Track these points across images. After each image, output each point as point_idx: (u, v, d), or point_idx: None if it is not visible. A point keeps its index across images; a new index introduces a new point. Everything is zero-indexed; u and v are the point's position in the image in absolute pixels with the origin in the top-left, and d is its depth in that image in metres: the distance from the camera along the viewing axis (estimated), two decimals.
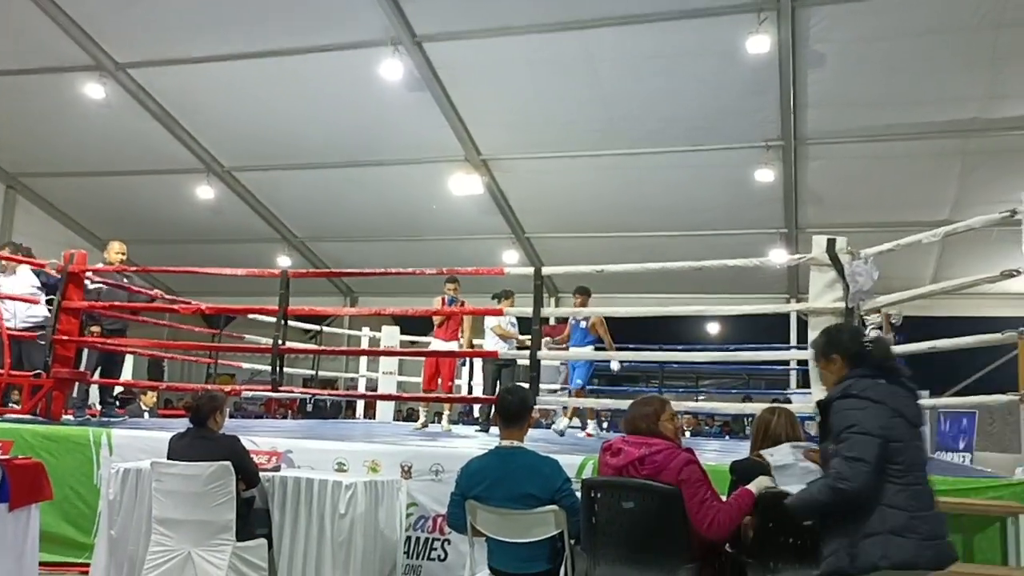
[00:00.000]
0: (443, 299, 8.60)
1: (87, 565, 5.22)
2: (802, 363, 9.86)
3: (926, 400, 10.64)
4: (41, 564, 4.76)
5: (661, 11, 9.60)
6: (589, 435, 8.83)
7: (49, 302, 7.38)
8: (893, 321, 9.05)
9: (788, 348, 12.11)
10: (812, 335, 5.83)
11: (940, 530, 2.91)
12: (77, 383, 7.59)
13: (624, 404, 9.49)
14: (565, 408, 9.23)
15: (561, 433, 8.44)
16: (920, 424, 3.01)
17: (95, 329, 7.70)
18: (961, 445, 10.69)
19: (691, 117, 11.14)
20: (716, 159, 11.93)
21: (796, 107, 10.62)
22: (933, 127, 10.70)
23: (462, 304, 8.61)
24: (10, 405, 8.24)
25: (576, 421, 9.46)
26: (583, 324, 8.58)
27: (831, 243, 5.76)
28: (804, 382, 11.03)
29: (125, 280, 8.18)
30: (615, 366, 9.82)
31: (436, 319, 8.75)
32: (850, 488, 2.83)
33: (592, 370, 9.23)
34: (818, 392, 5.74)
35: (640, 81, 10.72)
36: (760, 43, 9.39)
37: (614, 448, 3.70)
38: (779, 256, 11.86)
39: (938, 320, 12.08)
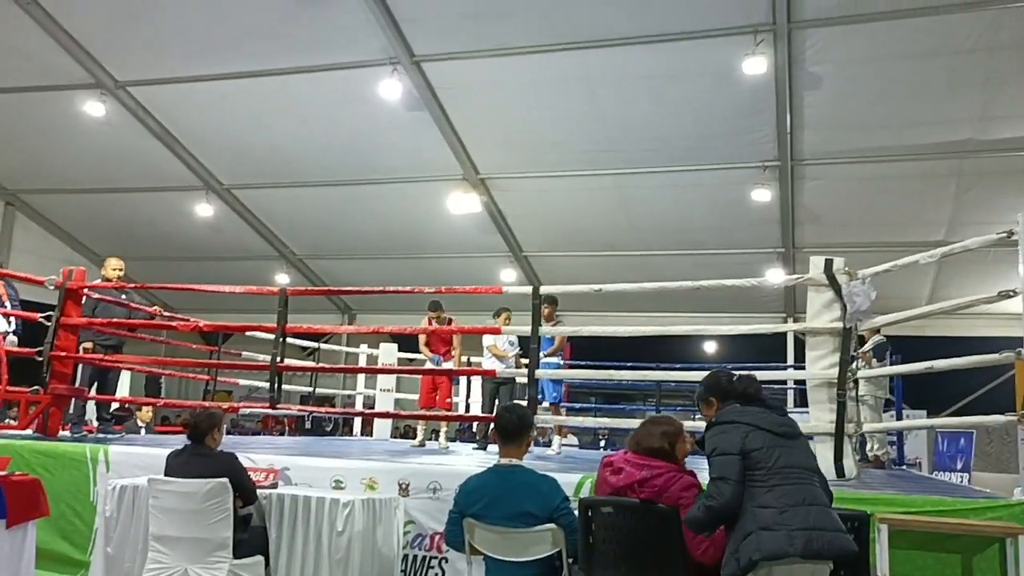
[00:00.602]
0: (429, 320, 8.62)
1: None
2: (799, 383, 9.85)
3: (923, 420, 10.72)
4: None
5: (658, 32, 9.67)
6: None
7: (48, 319, 7.35)
8: (876, 341, 9.01)
9: (785, 368, 12.11)
10: (809, 355, 5.87)
11: (815, 522, 3.10)
12: (73, 399, 7.58)
13: (621, 423, 9.43)
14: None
15: (558, 452, 8.43)
16: (782, 432, 3.31)
17: (87, 345, 7.66)
18: (959, 465, 10.69)
19: (688, 137, 11.21)
20: (713, 179, 11.99)
21: (793, 128, 10.68)
22: (929, 148, 10.77)
23: (449, 322, 8.62)
24: (6, 421, 8.22)
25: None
26: (548, 335, 8.49)
27: (828, 263, 5.79)
28: (801, 402, 11.01)
29: (123, 296, 8.17)
30: None
31: (421, 341, 8.79)
32: (718, 504, 3.19)
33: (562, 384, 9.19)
34: (816, 413, 5.79)
35: (637, 101, 10.79)
36: (757, 64, 9.46)
37: (615, 466, 3.70)
38: (776, 276, 11.92)
39: (935, 340, 12.12)
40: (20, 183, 14.81)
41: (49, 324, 7.22)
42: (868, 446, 8.98)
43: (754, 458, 3.21)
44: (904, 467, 10.25)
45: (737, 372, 3.68)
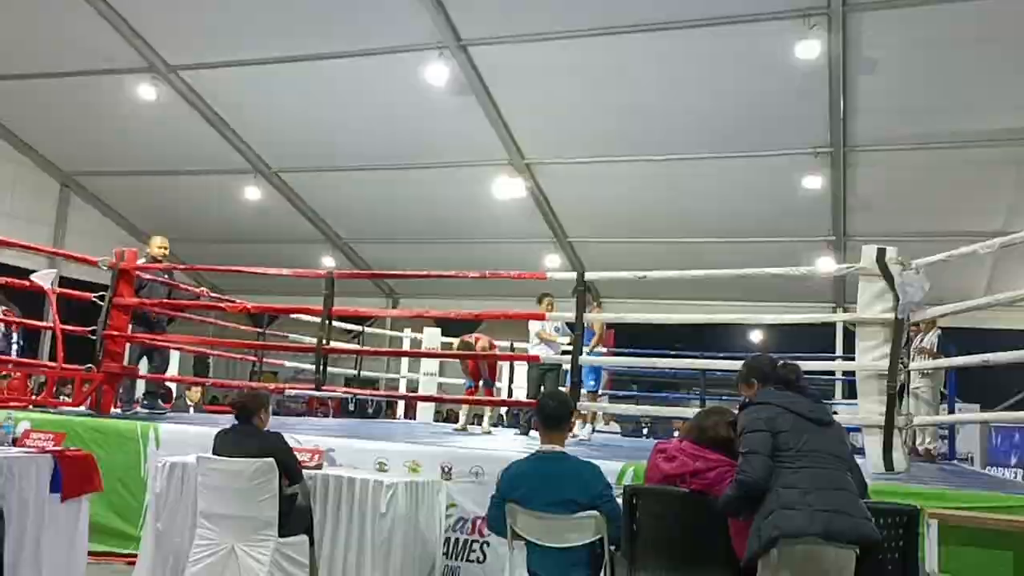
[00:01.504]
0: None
1: (134, 556, 5.31)
2: (848, 374, 9.67)
3: (976, 414, 10.45)
4: (90, 554, 4.88)
5: (709, 16, 9.51)
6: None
7: (102, 299, 7.51)
8: (934, 337, 8.77)
9: (833, 358, 11.88)
10: (860, 346, 5.75)
11: (839, 505, 3.10)
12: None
13: (664, 411, 9.32)
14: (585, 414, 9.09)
15: (588, 440, 8.36)
16: (813, 418, 3.32)
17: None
18: (1013, 460, 10.45)
19: (737, 122, 11.03)
20: (763, 165, 11.79)
21: (846, 113, 10.44)
22: (987, 135, 10.44)
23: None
24: (61, 398, 8.44)
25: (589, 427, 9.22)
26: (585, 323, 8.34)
27: (881, 253, 5.64)
28: (850, 393, 10.82)
29: (165, 276, 8.28)
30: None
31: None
32: (749, 478, 3.19)
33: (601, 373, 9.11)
34: (865, 405, 5.68)
35: (685, 86, 10.64)
36: (810, 48, 9.26)
37: (669, 453, 3.68)
38: (827, 265, 11.69)
39: (991, 332, 11.80)
40: (75, 165, 15.15)
41: (102, 304, 7.38)
42: (919, 439, 8.79)
43: (782, 439, 3.23)
44: (955, 461, 10.03)
45: (781, 359, 3.71)
